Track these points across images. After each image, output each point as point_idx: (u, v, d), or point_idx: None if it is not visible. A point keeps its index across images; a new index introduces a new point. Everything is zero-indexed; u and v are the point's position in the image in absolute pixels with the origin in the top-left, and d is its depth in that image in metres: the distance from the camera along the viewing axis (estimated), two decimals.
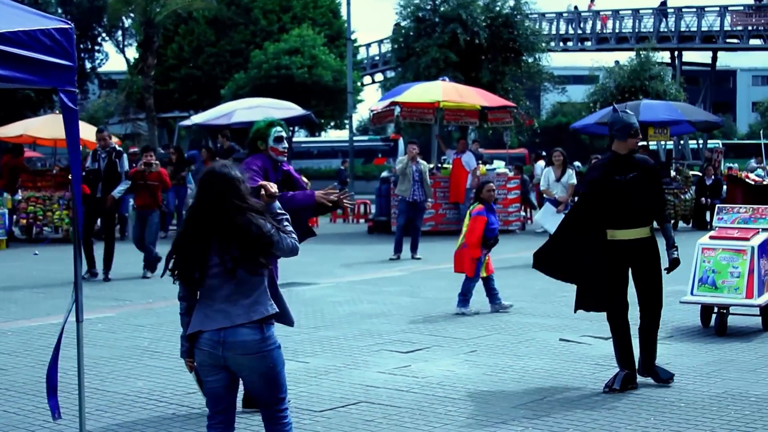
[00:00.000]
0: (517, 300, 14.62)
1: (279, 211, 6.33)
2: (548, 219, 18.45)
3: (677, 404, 8.73)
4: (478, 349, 11.27)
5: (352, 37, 55.48)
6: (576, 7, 62.62)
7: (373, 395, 9.21)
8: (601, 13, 61.18)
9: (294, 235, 6.25)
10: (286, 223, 6.27)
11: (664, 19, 59.32)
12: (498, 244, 14.17)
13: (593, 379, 9.72)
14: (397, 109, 27.35)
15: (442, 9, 39.92)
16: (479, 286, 13.92)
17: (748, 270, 11.83)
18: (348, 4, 36.34)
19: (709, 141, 60.08)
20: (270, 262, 6.17)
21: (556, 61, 62.63)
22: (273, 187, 6.35)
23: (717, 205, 13.27)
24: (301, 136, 64.95)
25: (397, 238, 20.94)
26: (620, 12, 61.15)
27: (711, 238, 12.32)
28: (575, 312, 9.95)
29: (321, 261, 20.55)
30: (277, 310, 6.20)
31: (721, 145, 51.13)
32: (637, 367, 9.52)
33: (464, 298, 13.81)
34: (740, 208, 12.90)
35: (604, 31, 61.21)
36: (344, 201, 9.03)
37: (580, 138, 65.83)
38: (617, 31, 60.63)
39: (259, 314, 6.00)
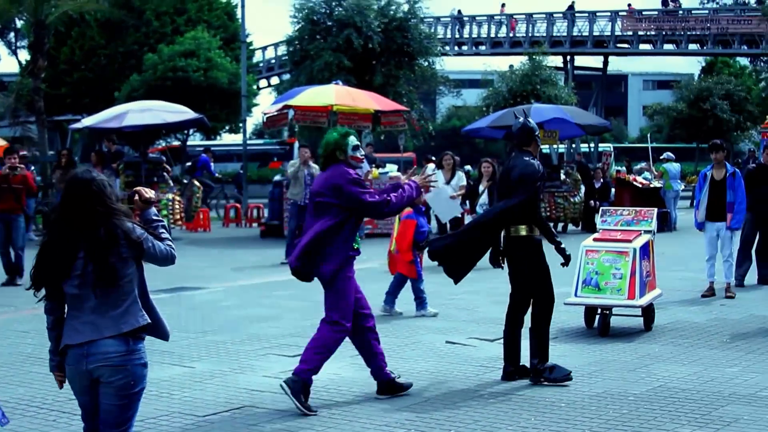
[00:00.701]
0: (405, 303, 14.70)
1: (154, 217, 6.15)
2: (440, 205, 18.34)
3: (558, 404, 8.86)
4: None
5: (248, 40, 55.32)
6: (459, 11, 63.07)
7: (258, 399, 9.21)
8: (514, 16, 61.67)
9: (170, 242, 6.09)
10: (162, 230, 6.10)
11: (569, 23, 60.15)
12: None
13: (477, 381, 9.83)
14: (291, 113, 27.28)
15: (336, 13, 39.90)
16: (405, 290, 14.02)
17: (630, 271, 12.05)
18: (242, 6, 36.16)
19: (600, 144, 61.04)
20: (140, 269, 5.98)
21: (452, 65, 63.11)
22: (148, 193, 6.19)
23: (601, 208, 13.49)
24: (196, 140, 64.45)
25: (289, 242, 20.89)
26: (514, 16, 61.77)
27: (594, 240, 12.53)
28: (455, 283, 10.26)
29: (212, 265, 20.47)
30: (149, 321, 5.96)
31: (612, 149, 51.96)
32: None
33: (420, 300, 13.98)
34: (623, 210, 13.14)
35: (498, 36, 61.81)
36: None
37: (475, 141, 66.37)
38: (511, 35, 61.25)
39: (129, 326, 5.81)
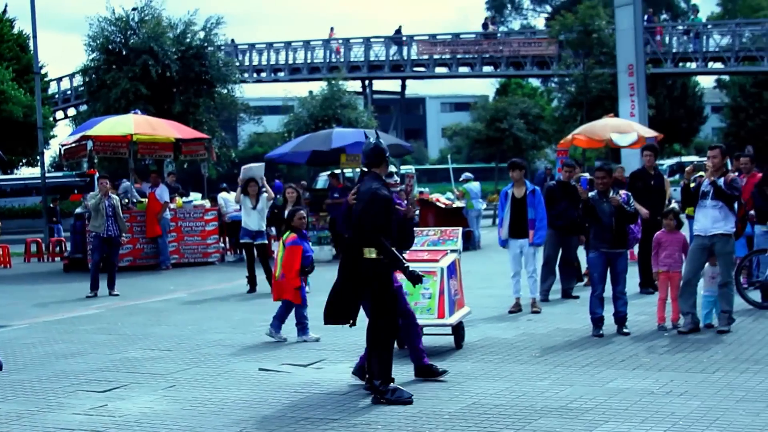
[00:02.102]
0: (216, 332, 14.58)
1: None
2: None
3: (374, 426, 8.87)
4: (176, 383, 11.11)
5: (43, 71, 54.05)
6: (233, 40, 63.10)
7: None
8: (335, 42, 61.83)
9: None
10: None
11: (366, 48, 60.77)
12: (314, 270, 14.13)
13: (291, 407, 9.75)
14: (90, 144, 26.76)
15: (132, 41, 39.41)
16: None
17: (438, 291, 12.18)
18: (35, 37, 35.30)
19: (402, 166, 61.76)
20: None
21: (252, 92, 62.98)
22: None
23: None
24: None
25: (93, 275, 20.42)
26: (311, 42, 62.05)
27: None
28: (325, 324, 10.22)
29: (13, 301, 19.84)
30: None
31: (413, 170, 52.60)
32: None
33: (302, 325, 13.77)
34: (429, 230, 13.28)
35: (297, 62, 61.97)
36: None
37: (278, 167, 66.33)
38: (309, 61, 61.49)
39: None
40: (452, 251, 12.77)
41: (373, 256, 9.84)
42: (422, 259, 12.46)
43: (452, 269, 12.54)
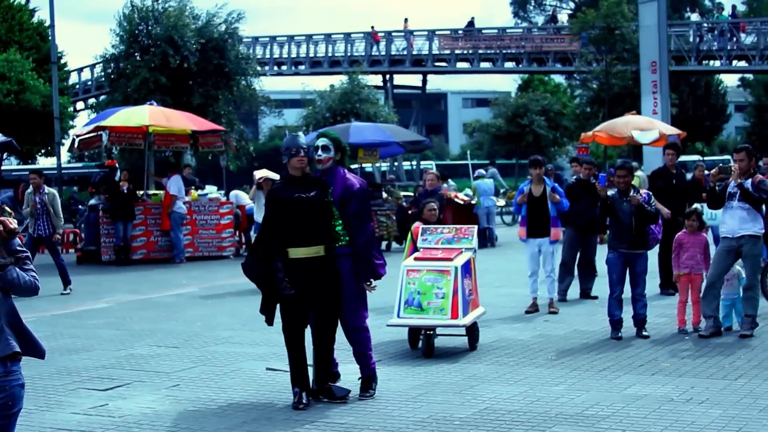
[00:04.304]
0: (225, 329, 14.31)
1: (18, 248, 6.06)
2: None
3: None
4: (181, 383, 10.81)
5: (63, 61, 53.93)
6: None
7: None
8: (379, 33, 61.49)
9: (34, 273, 6.07)
10: (27, 261, 6.06)
11: (375, 44, 60.42)
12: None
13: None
14: (105, 135, 26.52)
15: (154, 31, 39.22)
16: None
17: (452, 290, 11.82)
18: (52, 26, 35.04)
19: (422, 162, 61.51)
20: (8, 298, 5.98)
21: (273, 85, 62.78)
22: (12, 223, 6.04)
23: (421, 226, 13.14)
24: (12, 164, 62.54)
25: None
26: (332, 36, 61.76)
27: (416, 259, 12.25)
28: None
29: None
30: (17, 348, 5.97)
31: (434, 166, 52.34)
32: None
33: None
34: (444, 228, 12.90)
35: (317, 55, 61.72)
36: None
37: None
38: (330, 54, 61.22)
39: None
40: (467, 249, 12.41)
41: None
42: (436, 258, 12.14)
43: (467, 268, 12.18)
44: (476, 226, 13.04)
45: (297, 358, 9.49)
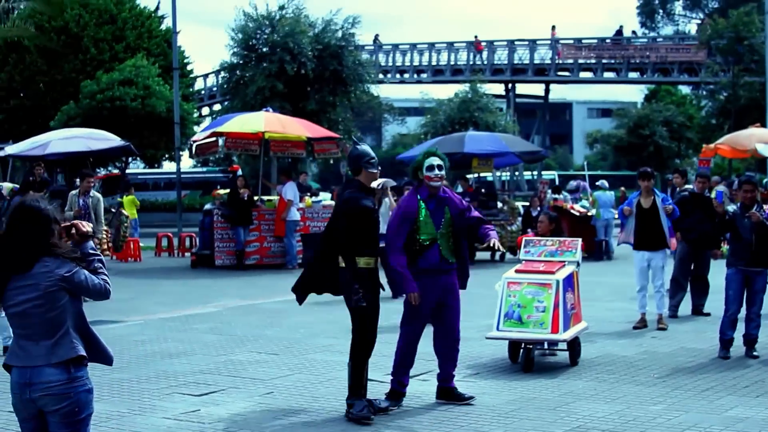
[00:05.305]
0: (327, 336, 14.28)
1: (91, 251, 6.11)
2: None
3: None
4: (275, 390, 10.78)
5: (189, 67, 54.69)
6: (376, 37, 62.76)
7: None
8: (482, 42, 61.35)
9: (106, 277, 6.06)
10: (98, 264, 6.08)
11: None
12: None
13: (387, 420, 9.31)
14: (222, 141, 26.72)
15: (270, 38, 39.51)
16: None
17: (553, 304, 11.59)
18: (174, 32, 35.58)
19: (543, 172, 60.99)
20: (77, 301, 5.98)
21: (396, 93, 62.87)
22: (86, 226, 6.10)
23: (524, 238, 12.93)
24: (138, 168, 63.70)
25: None
26: (455, 44, 61.63)
27: (517, 271, 12.05)
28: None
29: (136, 296, 19.75)
30: (82, 352, 5.93)
31: (556, 177, 51.84)
32: None
33: None
34: (547, 240, 12.64)
35: (439, 64, 61.65)
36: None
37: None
38: (452, 63, 61.11)
39: (57, 357, 5.82)
40: (570, 263, 12.16)
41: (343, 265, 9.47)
42: (537, 270, 11.92)
43: (569, 282, 11.93)
44: (580, 240, 12.72)
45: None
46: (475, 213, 10.18)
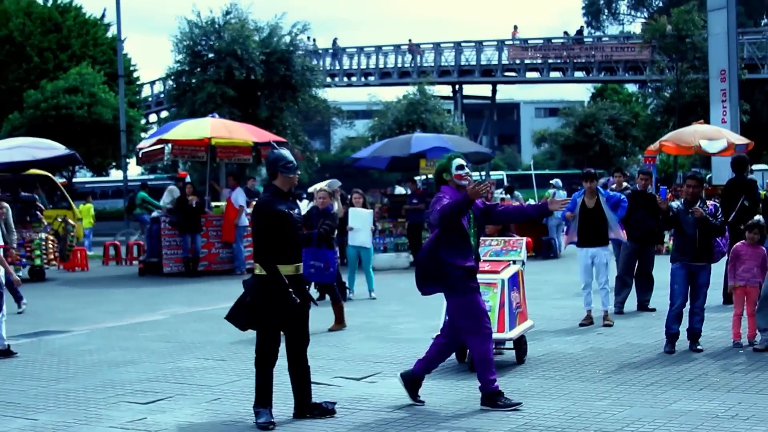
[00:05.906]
0: None
1: None
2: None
3: None
4: (222, 396, 10.77)
5: (136, 74, 54.49)
6: (335, 40, 62.80)
7: None
8: (419, 46, 61.45)
9: None
10: None
11: (456, 53, 60.24)
12: None
13: (334, 425, 9.33)
14: (168, 148, 26.63)
15: (216, 45, 39.39)
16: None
17: (499, 303, 11.68)
18: (120, 40, 35.46)
19: (491, 172, 61.21)
20: None
21: (344, 96, 62.86)
22: None
23: None
24: (84, 177, 63.37)
25: None
26: (401, 47, 61.69)
27: None
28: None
29: (82, 306, 19.65)
30: None
31: (504, 177, 52.03)
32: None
33: None
34: (492, 240, 12.73)
35: (387, 66, 61.71)
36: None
37: (369, 172, 66.31)
38: (399, 65, 61.21)
39: None
40: (515, 262, 12.25)
41: (258, 272, 9.50)
42: (483, 270, 11.94)
43: (514, 281, 12.02)
44: (524, 239, 12.83)
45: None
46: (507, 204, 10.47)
